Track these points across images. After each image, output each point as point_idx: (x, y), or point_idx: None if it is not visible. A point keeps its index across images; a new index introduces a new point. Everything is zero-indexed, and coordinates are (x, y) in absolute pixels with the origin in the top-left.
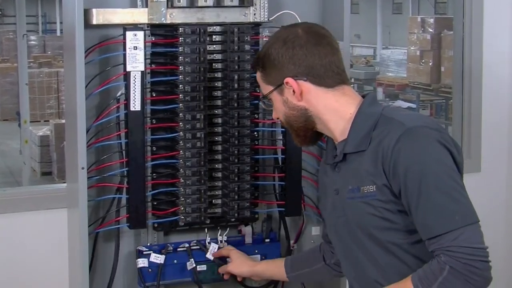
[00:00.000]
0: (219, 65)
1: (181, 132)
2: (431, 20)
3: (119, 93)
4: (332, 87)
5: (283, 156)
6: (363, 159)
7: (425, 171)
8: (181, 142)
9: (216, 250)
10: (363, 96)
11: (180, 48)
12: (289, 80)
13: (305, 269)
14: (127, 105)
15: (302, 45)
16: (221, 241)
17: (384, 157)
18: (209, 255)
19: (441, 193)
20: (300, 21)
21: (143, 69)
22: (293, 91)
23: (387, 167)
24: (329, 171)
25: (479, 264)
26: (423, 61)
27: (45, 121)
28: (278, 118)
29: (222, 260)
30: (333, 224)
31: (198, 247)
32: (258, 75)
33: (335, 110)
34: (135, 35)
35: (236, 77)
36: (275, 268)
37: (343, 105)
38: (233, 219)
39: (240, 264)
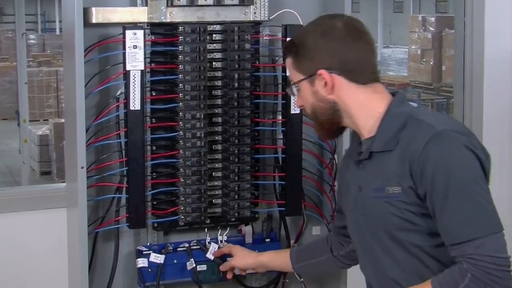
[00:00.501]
0: (219, 64)
1: (181, 132)
2: (432, 19)
3: (118, 92)
4: (364, 83)
5: (283, 156)
6: (390, 159)
7: (452, 177)
8: (181, 141)
9: (216, 249)
10: (393, 94)
11: (180, 47)
12: (322, 72)
13: (311, 260)
14: (126, 104)
15: (341, 39)
16: (221, 241)
17: (412, 160)
18: (209, 255)
19: (467, 200)
20: (301, 20)
21: (142, 68)
22: (325, 83)
23: (415, 170)
24: (352, 167)
25: (501, 274)
26: (424, 60)
27: (44, 120)
28: (301, 106)
29: (222, 259)
30: (354, 221)
31: (198, 247)
32: (289, 61)
33: (364, 107)
34: (134, 34)
35: (236, 76)
36: (280, 259)
37: (373, 103)
38: (233, 219)
39: (243, 257)
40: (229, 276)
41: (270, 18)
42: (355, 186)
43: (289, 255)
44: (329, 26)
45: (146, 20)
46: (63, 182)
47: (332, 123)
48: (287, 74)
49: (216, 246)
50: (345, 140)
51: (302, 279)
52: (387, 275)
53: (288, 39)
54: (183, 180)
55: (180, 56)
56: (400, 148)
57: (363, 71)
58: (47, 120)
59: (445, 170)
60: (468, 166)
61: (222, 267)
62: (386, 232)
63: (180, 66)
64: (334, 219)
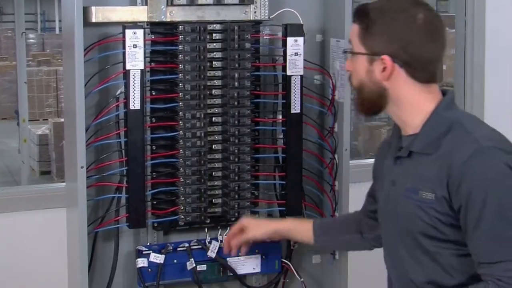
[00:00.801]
0: (219, 64)
1: (181, 131)
2: None
3: (118, 92)
4: (422, 82)
5: (283, 155)
6: (428, 162)
7: (490, 195)
8: (181, 141)
9: (217, 248)
10: (443, 93)
11: (180, 46)
12: (386, 58)
13: (338, 236)
14: (126, 104)
15: (419, 34)
16: (221, 241)
17: (451, 171)
18: (210, 253)
19: (502, 221)
20: (301, 19)
21: (142, 67)
22: (384, 68)
23: (452, 182)
24: (389, 158)
25: None
26: None
27: (44, 119)
28: (349, 71)
29: (223, 258)
30: (383, 213)
31: (198, 246)
32: (356, 29)
33: (414, 104)
34: (134, 33)
35: (236, 75)
36: (301, 229)
37: (423, 101)
38: (233, 219)
39: (258, 227)
40: (244, 250)
41: (270, 17)
42: (389, 179)
43: (312, 226)
44: (411, 16)
45: (146, 19)
46: (63, 181)
47: (374, 104)
48: (349, 38)
49: (217, 244)
50: (346, 140)
51: (302, 279)
52: (407, 275)
53: (363, 4)
54: (183, 180)
55: (180, 56)
56: (440, 154)
57: (425, 71)
58: (47, 119)
59: (484, 189)
60: (508, 186)
61: (235, 241)
62: (410, 234)
63: (180, 65)
64: (365, 201)
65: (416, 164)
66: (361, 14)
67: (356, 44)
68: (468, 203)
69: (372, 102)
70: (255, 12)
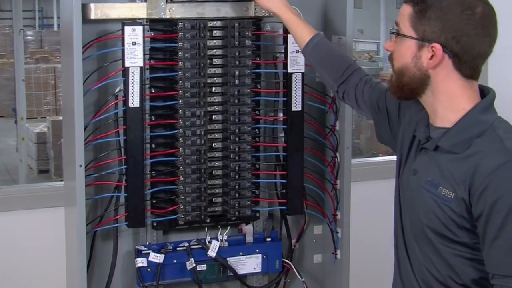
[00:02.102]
0: (219, 61)
1: (180, 129)
2: None
3: (117, 90)
4: (466, 77)
5: (284, 154)
6: (454, 160)
7: None
8: (180, 139)
9: (217, 247)
10: (482, 91)
11: (179, 43)
12: (437, 46)
13: (320, 64)
14: (125, 102)
15: (475, 27)
16: (221, 240)
17: (476, 176)
18: (210, 253)
19: None
20: (302, 16)
21: (142, 65)
22: (432, 56)
23: (475, 188)
24: (415, 144)
25: None
26: None
27: (42, 117)
28: (389, 51)
29: (224, 258)
30: (400, 198)
31: (198, 246)
32: (409, 11)
33: (452, 97)
34: (133, 30)
35: (236, 73)
36: (300, 30)
37: (462, 97)
38: (233, 218)
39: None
40: None
41: (271, 14)
42: (410, 167)
43: (310, 38)
44: (470, 7)
45: (145, 16)
46: (61, 180)
47: (412, 90)
48: (398, 19)
49: (217, 243)
50: (347, 138)
51: (303, 279)
52: (417, 269)
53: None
54: (182, 179)
55: (179, 53)
56: (468, 156)
57: (472, 66)
58: (45, 117)
59: (509, 202)
60: None
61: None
62: (422, 228)
63: (180, 63)
64: (376, 85)
65: (441, 159)
66: None
67: (406, 26)
68: (490, 213)
69: (411, 89)
70: (255, 8)
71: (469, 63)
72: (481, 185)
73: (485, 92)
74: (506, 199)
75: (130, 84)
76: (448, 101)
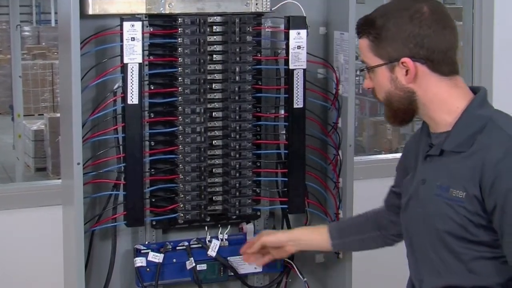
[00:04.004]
0: (219, 57)
1: (180, 127)
2: None
3: (116, 86)
4: (446, 75)
5: (286, 151)
6: (460, 160)
7: None
8: (180, 136)
9: (217, 247)
10: (473, 90)
11: (179, 39)
12: (406, 60)
13: (356, 237)
14: (124, 99)
15: (429, 26)
16: (221, 240)
17: (485, 170)
18: (210, 252)
19: None
20: (304, 11)
21: (141, 61)
22: (406, 71)
23: (485, 182)
24: (420, 156)
25: None
26: None
27: (39, 115)
28: (370, 88)
29: (224, 257)
30: (409, 211)
31: (198, 245)
32: (366, 43)
33: (444, 100)
34: (132, 25)
35: (237, 69)
36: (317, 234)
37: (453, 98)
38: (234, 217)
39: (271, 233)
40: (248, 259)
41: (272, 9)
42: (419, 177)
43: (328, 230)
44: (416, 11)
45: (144, 12)
46: (59, 178)
47: (406, 112)
48: (362, 56)
49: (217, 243)
50: (350, 136)
51: (305, 279)
52: (432, 276)
53: (365, 17)
54: (182, 177)
55: (179, 49)
56: (474, 152)
57: (447, 62)
58: (42, 114)
59: None
60: None
61: (247, 245)
62: (438, 233)
63: (180, 59)
64: (388, 195)
65: (448, 162)
66: (365, 27)
67: (370, 58)
68: (505, 204)
69: (404, 110)
70: (256, 4)
71: (443, 60)
72: (490, 177)
73: (476, 91)
74: None
75: (129, 81)
76: (440, 105)
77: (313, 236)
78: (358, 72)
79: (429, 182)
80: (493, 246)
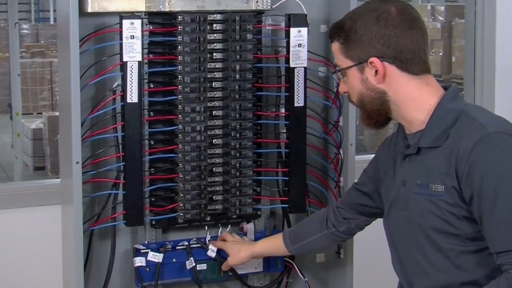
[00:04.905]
0: (219, 55)
1: (180, 125)
2: (442, 8)
3: (115, 84)
4: (417, 74)
5: (286, 150)
6: (436, 155)
7: (502, 182)
8: (180, 135)
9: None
10: (445, 88)
11: (179, 37)
12: (374, 60)
13: (307, 239)
14: (123, 97)
15: (395, 26)
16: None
17: (459, 159)
18: (210, 253)
19: None
20: (304, 9)
21: (140, 59)
22: (376, 72)
23: (461, 171)
24: (398, 159)
25: None
26: (433, 50)
27: (38, 113)
28: (345, 93)
29: (223, 256)
30: (392, 215)
31: (198, 245)
32: (337, 46)
33: (415, 99)
34: (132, 23)
35: (237, 67)
36: (274, 245)
37: (424, 95)
38: (234, 216)
39: (237, 253)
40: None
41: (273, 7)
42: (399, 179)
43: (282, 240)
44: (383, 12)
45: (144, 9)
46: (58, 177)
47: (379, 113)
48: (335, 60)
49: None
50: (351, 135)
51: (306, 279)
52: (418, 277)
53: (335, 22)
54: (182, 176)
55: (179, 47)
56: (448, 145)
57: (416, 61)
58: (41, 113)
59: (495, 175)
60: None
61: (223, 267)
62: (422, 232)
63: (179, 57)
64: (350, 193)
65: (425, 159)
66: (336, 30)
67: (341, 60)
68: (481, 192)
69: (377, 112)
70: (257, 1)
71: (411, 59)
72: (465, 167)
73: (447, 88)
74: (492, 175)
75: (128, 79)
76: (412, 104)
77: (272, 249)
78: (334, 76)
79: (409, 183)
80: (477, 239)
